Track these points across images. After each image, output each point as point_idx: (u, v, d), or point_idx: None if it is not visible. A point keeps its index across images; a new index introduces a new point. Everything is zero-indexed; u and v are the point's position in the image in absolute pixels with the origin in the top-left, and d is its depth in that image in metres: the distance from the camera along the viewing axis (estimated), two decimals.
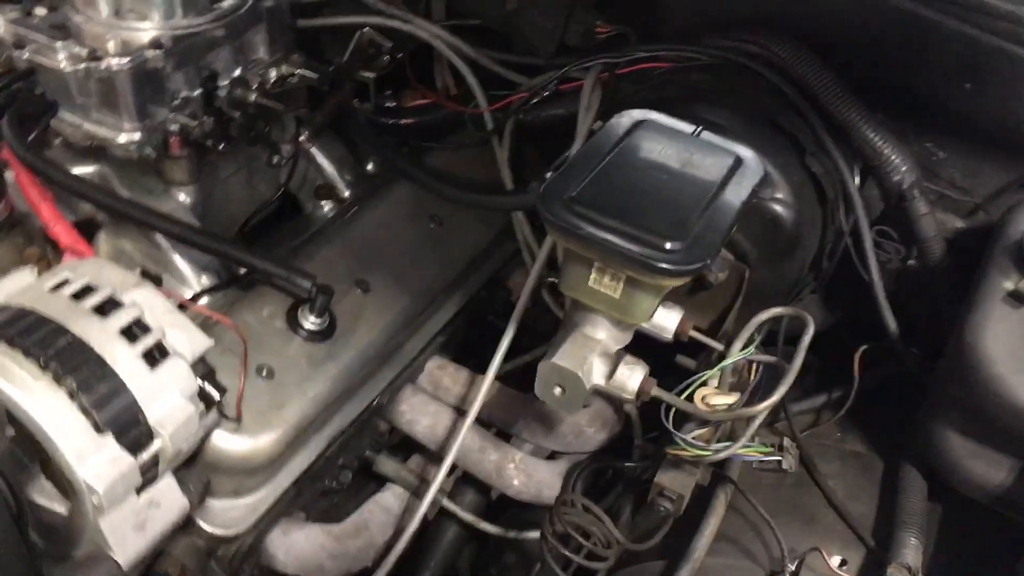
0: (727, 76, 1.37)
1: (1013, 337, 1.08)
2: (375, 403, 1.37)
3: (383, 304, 1.34)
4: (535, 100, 1.49)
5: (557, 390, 1.12)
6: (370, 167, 1.60)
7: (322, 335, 1.24)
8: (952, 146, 1.40)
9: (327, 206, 1.54)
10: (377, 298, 1.34)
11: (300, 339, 1.23)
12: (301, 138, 1.51)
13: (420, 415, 1.44)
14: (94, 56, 1.19)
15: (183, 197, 1.35)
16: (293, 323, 1.23)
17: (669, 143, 1.18)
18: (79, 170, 1.33)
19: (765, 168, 1.23)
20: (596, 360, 1.12)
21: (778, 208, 1.28)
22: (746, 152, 1.19)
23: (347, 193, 1.56)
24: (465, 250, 1.48)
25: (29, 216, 1.28)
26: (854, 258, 1.38)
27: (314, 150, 1.54)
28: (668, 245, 1.02)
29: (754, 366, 1.19)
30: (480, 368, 1.43)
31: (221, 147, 1.31)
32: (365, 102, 1.56)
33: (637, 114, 1.23)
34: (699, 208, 1.07)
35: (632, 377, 1.10)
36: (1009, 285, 1.13)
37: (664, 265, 1.00)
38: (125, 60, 1.21)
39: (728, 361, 1.15)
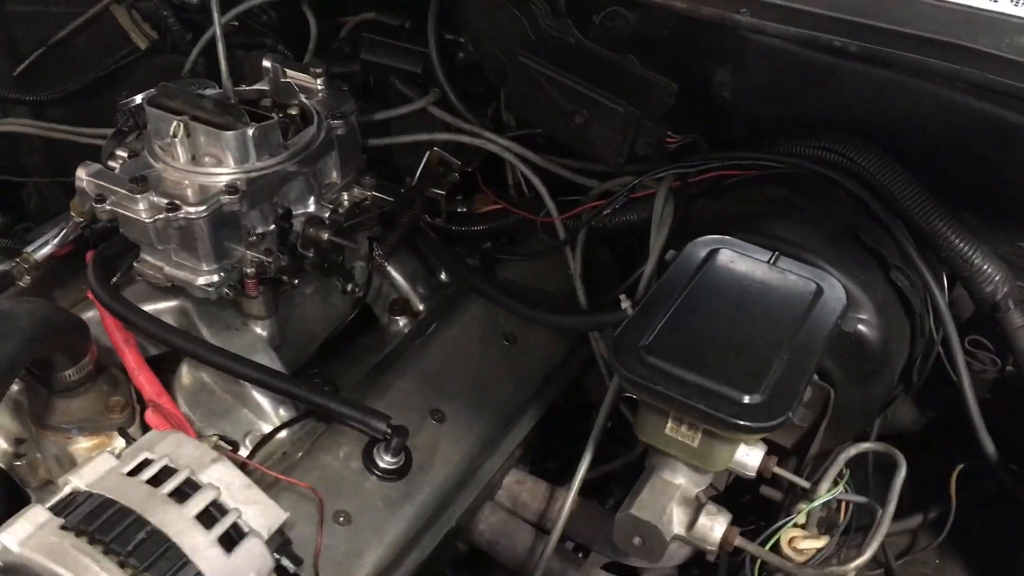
0: (804, 187, 1.33)
1: None
2: (454, 527, 1.36)
3: (458, 433, 1.33)
4: (607, 210, 1.47)
5: (636, 540, 1.09)
6: (443, 276, 1.60)
7: (398, 473, 1.24)
8: None
9: (401, 321, 1.55)
10: (452, 427, 1.33)
11: (376, 479, 1.23)
12: (375, 256, 1.52)
13: (500, 535, 1.43)
14: (173, 206, 1.22)
15: (260, 331, 1.37)
16: (369, 463, 1.23)
17: (745, 274, 1.15)
18: (161, 304, 1.37)
19: (848, 289, 1.19)
20: (676, 508, 1.09)
21: (863, 328, 1.23)
22: (826, 279, 1.16)
23: (421, 306, 1.56)
24: (540, 366, 1.47)
25: (110, 355, 1.31)
26: (948, 369, 1.32)
27: (388, 266, 1.55)
28: (746, 399, 0.99)
29: (843, 504, 1.14)
30: (560, 473, 1.41)
31: (296, 282, 1.33)
32: (436, 216, 1.56)
33: (710, 241, 1.20)
34: (779, 352, 1.04)
35: (714, 528, 1.07)
36: None
37: (742, 422, 0.97)
38: (202, 208, 1.23)
39: (815, 503, 1.11)
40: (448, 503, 1.33)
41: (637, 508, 1.08)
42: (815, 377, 1.26)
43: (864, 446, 1.13)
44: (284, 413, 1.32)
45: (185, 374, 1.36)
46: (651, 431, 1.08)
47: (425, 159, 1.50)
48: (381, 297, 1.58)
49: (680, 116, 1.46)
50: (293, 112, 1.42)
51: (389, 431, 1.21)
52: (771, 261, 1.17)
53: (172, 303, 1.37)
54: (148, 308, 1.34)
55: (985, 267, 1.26)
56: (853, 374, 1.26)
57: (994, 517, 1.31)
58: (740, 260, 1.17)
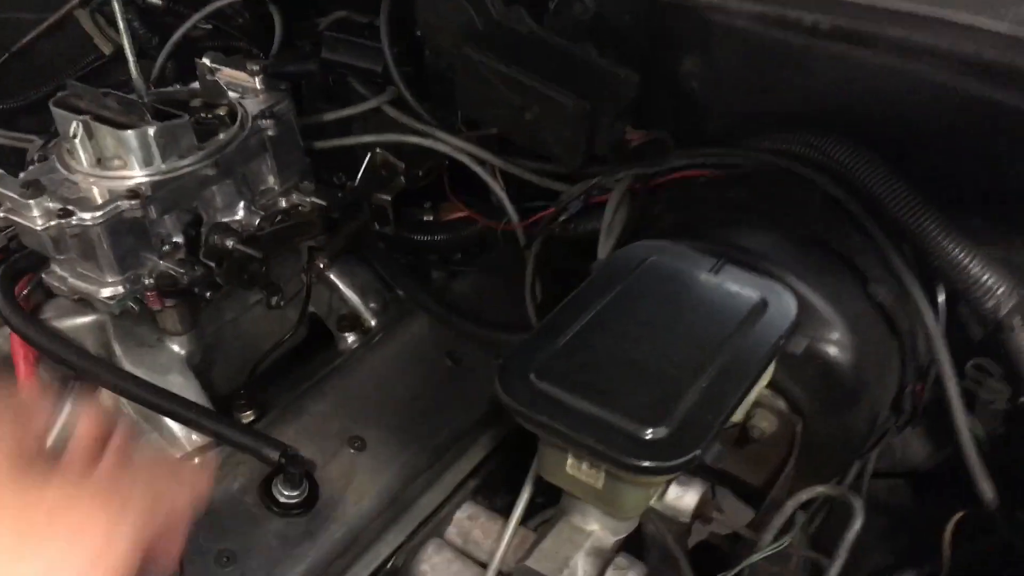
0: (771, 188, 1.16)
1: None
2: (389, 566, 1.23)
3: (380, 463, 1.20)
4: (563, 216, 1.33)
5: None
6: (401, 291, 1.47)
7: (300, 508, 1.11)
8: None
9: (351, 337, 1.43)
10: (372, 456, 1.20)
11: (273, 515, 1.10)
12: (321, 266, 1.41)
13: (441, 575, 1.28)
14: (65, 212, 1.13)
15: (176, 348, 1.27)
16: (266, 497, 1.11)
17: (676, 286, 0.99)
18: (80, 320, 1.28)
19: (811, 304, 1.02)
20: (582, 560, 0.93)
21: (832, 351, 1.05)
22: (775, 291, 0.98)
23: (373, 322, 1.44)
24: (488, 389, 1.32)
25: None
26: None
27: (334, 278, 1.44)
28: (648, 433, 0.83)
29: (794, 559, 0.96)
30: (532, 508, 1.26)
31: (208, 295, 1.22)
32: (385, 224, 1.44)
33: (646, 247, 1.05)
34: (696, 378, 0.88)
35: None
36: None
37: (638, 461, 0.81)
38: (98, 214, 1.14)
39: (753, 557, 0.93)
40: (371, 540, 1.19)
41: (535, 559, 0.93)
42: (782, 406, 1.09)
43: (818, 490, 0.95)
44: (197, 439, 1.21)
45: (105, 395, 1.27)
46: (552, 469, 0.93)
47: (366, 161, 1.38)
48: (332, 312, 1.47)
49: (646, 111, 1.30)
50: (222, 112, 1.32)
51: (283, 460, 1.09)
52: (713, 270, 1.01)
53: (90, 317, 1.28)
54: (68, 323, 1.26)
55: (985, 278, 1.06)
56: (825, 404, 1.08)
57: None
58: (676, 269, 1.01)
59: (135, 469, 0.61)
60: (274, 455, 1.09)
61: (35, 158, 1.29)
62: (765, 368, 0.91)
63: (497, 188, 1.42)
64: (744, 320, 0.94)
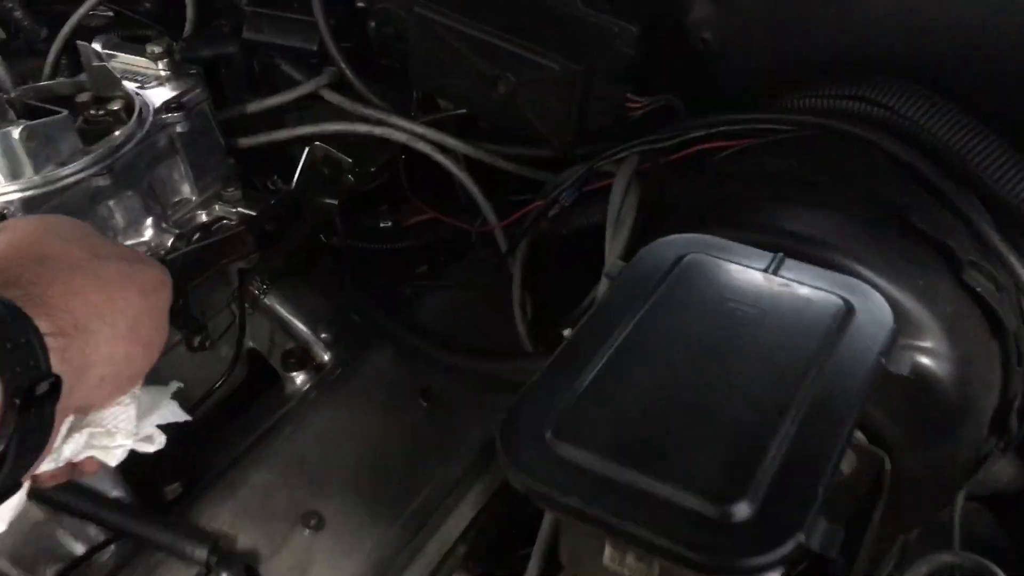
0: (824, 155, 0.90)
1: None
2: None
3: (344, 543, 0.93)
4: (553, 211, 1.07)
5: None
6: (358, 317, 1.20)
7: None
8: None
9: (299, 377, 1.16)
10: (334, 536, 0.93)
11: None
12: (257, 292, 1.14)
13: None
14: None
15: None
16: None
17: (727, 293, 0.73)
18: None
19: (897, 304, 0.77)
20: None
21: (927, 362, 0.80)
22: (860, 290, 0.73)
23: (327, 357, 1.17)
24: (475, 433, 1.05)
25: None
26: None
27: (276, 305, 1.16)
28: (725, 514, 0.57)
29: None
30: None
31: None
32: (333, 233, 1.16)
33: (677, 244, 0.79)
34: (779, 424, 0.62)
35: None
36: None
37: (717, 558, 0.56)
38: None
39: None
40: None
41: None
42: (862, 440, 0.84)
43: (943, 559, 0.70)
44: (94, 532, 0.94)
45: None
46: (581, 559, 0.67)
47: (303, 159, 1.11)
48: (276, 347, 1.19)
49: (648, 73, 1.05)
50: (115, 107, 1.05)
51: (213, 560, 0.82)
52: (770, 268, 0.75)
53: None
54: None
55: None
56: (919, 431, 0.83)
57: None
58: (721, 270, 0.75)
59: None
60: (201, 553, 0.82)
61: None
62: (866, 398, 0.66)
63: (467, 181, 1.16)
64: (827, 334, 0.69)
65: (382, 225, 1.29)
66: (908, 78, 0.89)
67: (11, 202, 0.91)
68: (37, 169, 0.92)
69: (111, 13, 1.50)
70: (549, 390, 0.66)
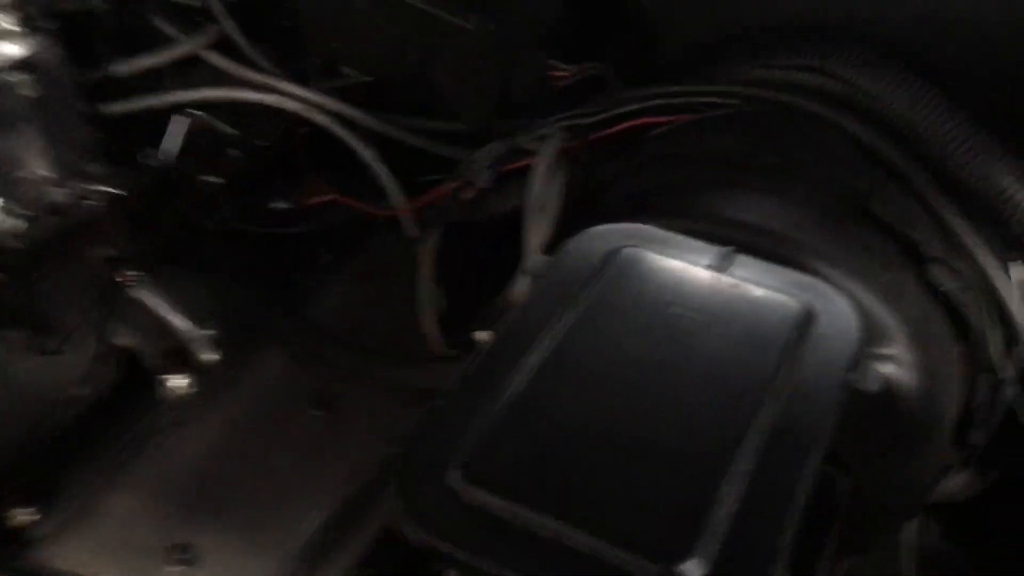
0: (774, 134, 0.80)
1: None
2: None
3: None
4: (467, 194, 0.94)
5: None
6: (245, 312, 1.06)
7: None
8: None
9: (179, 381, 1.01)
10: (208, 572, 0.80)
11: None
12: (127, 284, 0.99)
13: None
14: None
15: None
16: None
17: (668, 296, 0.62)
18: None
19: (862, 308, 0.67)
20: None
21: (891, 372, 0.71)
22: (821, 290, 0.63)
23: (215, 356, 1.03)
24: (375, 444, 0.93)
25: None
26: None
27: (150, 299, 1.02)
28: (678, 572, 0.46)
29: None
30: None
31: None
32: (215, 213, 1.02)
33: (608, 236, 0.67)
34: (734, 455, 0.51)
35: None
36: None
37: None
38: None
39: None
40: None
41: None
42: None
43: None
44: None
45: None
46: None
47: (179, 128, 0.96)
48: (150, 346, 1.05)
49: (577, 38, 0.93)
50: None
51: None
52: (718, 266, 0.64)
53: None
54: None
55: None
56: (880, 449, 0.74)
57: None
58: (660, 268, 0.64)
59: None
60: None
61: None
62: (836, 422, 0.55)
63: (370, 158, 1.02)
64: (787, 346, 0.58)
65: (276, 207, 1.15)
66: (869, 47, 0.79)
67: None
68: None
69: None
70: (457, 417, 0.53)
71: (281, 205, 1.15)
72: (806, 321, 0.60)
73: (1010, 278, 0.79)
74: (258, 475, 0.88)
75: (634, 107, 0.88)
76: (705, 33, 0.90)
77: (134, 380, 1.06)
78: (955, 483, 1.01)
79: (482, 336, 0.71)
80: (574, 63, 0.92)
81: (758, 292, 0.62)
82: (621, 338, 0.58)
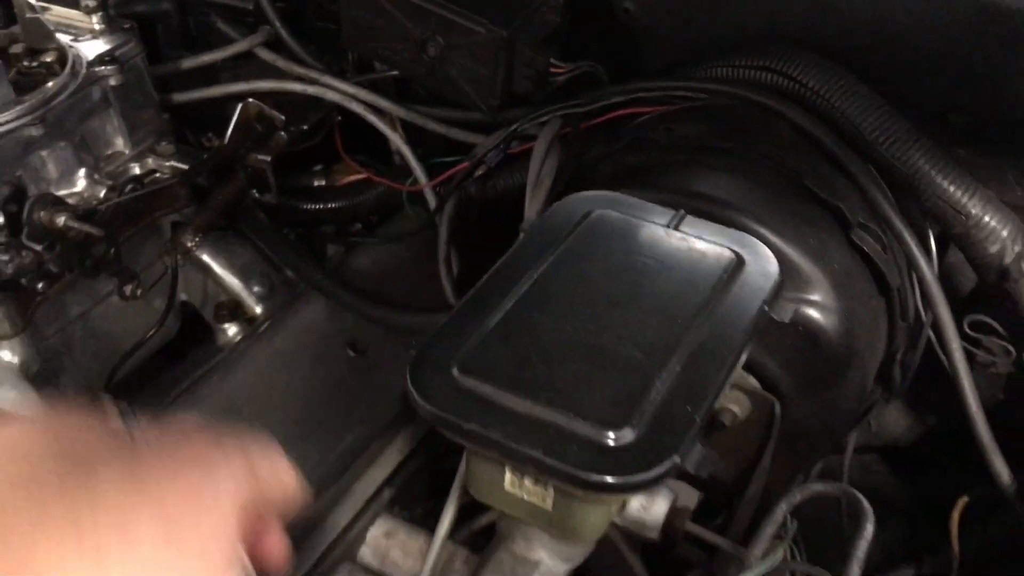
0: (732, 123, 0.96)
1: None
2: None
3: None
4: (479, 172, 1.11)
5: None
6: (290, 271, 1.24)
7: None
8: None
9: (232, 328, 1.19)
10: None
11: None
12: (189, 244, 1.16)
13: None
14: None
15: (7, 355, 1.01)
16: None
17: (631, 246, 0.78)
18: None
19: (790, 259, 0.83)
20: None
21: (815, 315, 0.87)
22: (750, 244, 0.79)
23: (259, 309, 1.20)
24: (400, 383, 1.10)
25: None
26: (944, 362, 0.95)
27: (207, 259, 1.19)
28: (610, 439, 0.62)
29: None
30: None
31: (41, 287, 0.97)
32: (266, 190, 1.19)
33: (587, 200, 0.84)
34: (667, 361, 0.67)
35: None
36: None
37: (602, 476, 0.61)
38: None
39: None
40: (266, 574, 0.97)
41: None
42: (755, 385, 0.90)
43: (815, 488, 0.76)
44: None
45: None
46: (485, 486, 0.71)
47: (236, 114, 1.14)
48: (209, 300, 1.22)
49: (572, 40, 1.10)
50: (49, 59, 1.07)
51: None
52: (671, 224, 0.81)
53: None
54: None
55: (987, 219, 0.89)
56: (807, 379, 0.90)
57: (1007, 568, 0.93)
58: (625, 225, 0.80)
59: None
60: None
61: None
62: (749, 341, 0.72)
63: (399, 141, 1.20)
64: (717, 283, 0.74)
65: (316, 184, 1.32)
66: (815, 52, 0.95)
67: None
68: None
69: None
70: (457, 331, 0.70)
71: (319, 183, 1.33)
72: (735, 267, 0.76)
73: (929, 245, 0.95)
74: (301, 402, 1.04)
75: (619, 99, 1.04)
76: (680, 39, 1.06)
77: (196, 331, 1.25)
78: (898, 426, 1.17)
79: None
80: (570, 61, 1.08)
81: (699, 244, 0.78)
82: (588, 275, 0.75)
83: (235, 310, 1.20)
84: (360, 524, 1.09)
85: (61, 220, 0.94)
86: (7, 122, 0.96)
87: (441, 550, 0.96)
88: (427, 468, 1.16)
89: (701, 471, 0.63)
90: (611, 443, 0.62)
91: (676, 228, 0.80)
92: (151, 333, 1.12)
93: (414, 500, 1.19)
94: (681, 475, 0.63)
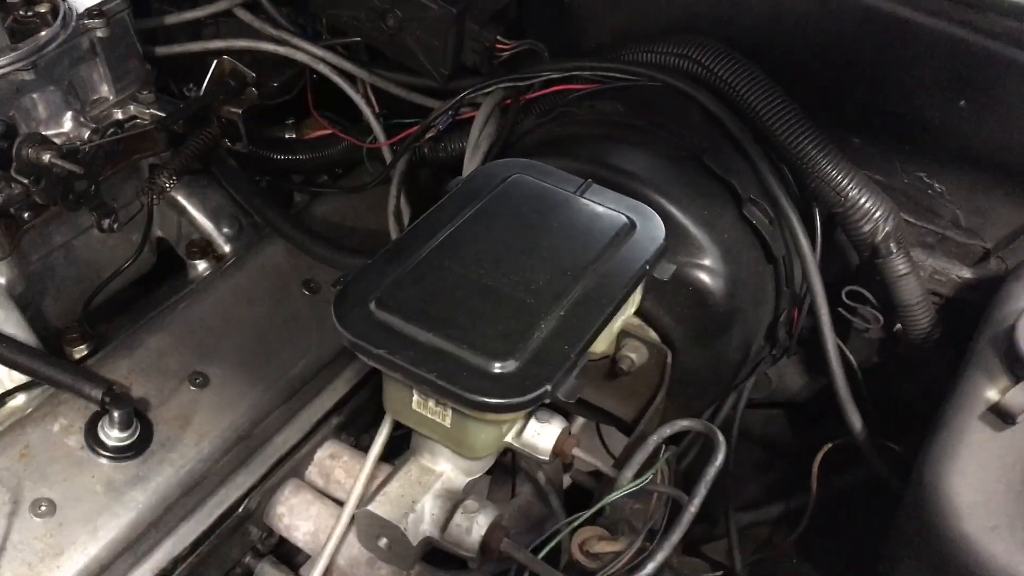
0: (647, 103, 1.08)
1: (989, 474, 0.77)
2: (241, 509, 1.14)
3: (224, 400, 1.10)
4: (429, 134, 1.23)
5: (382, 541, 0.87)
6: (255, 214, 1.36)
7: (131, 451, 1.01)
8: (952, 177, 1.09)
9: (201, 265, 1.31)
10: (216, 393, 1.10)
11: (99, 459, 1.00)
12: (166, 185, 1.28)
13: (299, 519, 1.20)
14: None
15: None
16: (92, 439, 1.00)
17: (537, 207, 0.91)
18: None
19: (682, 227, 0.96)
20: (430, 503, 0.86)
21: (704, 277, 0.99)
22: (644, 212, 0.92)
23: (228, 248, 1.32)
24: None
25: None
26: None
27: (183, 200, 1.31)
28: (496, 367, 0.75)
29: (655, 497, 0.91)
30: (400, 444, 1.19)
31: (27, 216, 1.09)
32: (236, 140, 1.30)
33: (508, 165, 0.96)
34: (553, 306, 0.80)
35: (472, 530, 0.84)
36: (992, 394, 0.82)
37: (484, 398, 0.74)
38: None
39: (612, 496, 0.87)
40: (216, 483, 1.10)
41: (379, 504, 0.85)
42: (653, 336, 1.03)
43: (682, 424, 0.90)
44: (18, 377, 1.09)
45: None
46: (397, 406, 0.85)
47: (212, 69, 1.25)
48: (183, 237, 1.34)
49: (518, 20, 1.21)
50: (43, 9, 1.17)
51: (107, 399, 0.98)
52: (578, 192, 0.93)
53: None
54: None
55: (862, 201, 1.02)
56: (696, 333, 1.03)
57: (863, 507, 1.07)
58: (538, 189, 0.93)
59: None
60: (97, 393, 0.98)
61: None
62: (628, 295, 0.84)
63: (360, 102, 1.31)
64: (608, 244, 0.87)
65: (287, 137, 1.44)
66: (726, 43, 1.06)
67: None
68: None
69: None
70: (378, 272, 0.83)
71: (289, 135, 1.44)
72: (628, 230, 0.89)
73: (813, 221, 1.08)
74: (258, 331, 1.16)
75: (556, 76, 1.15)
76: (613, 24, 1.17)
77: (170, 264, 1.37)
78: (795, 384, 1.31)
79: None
80: (514, 39, 1.19)
81: (599, 209, 0.91)
82: (497, 231, 0.87)
83: (205, 248, 1.32)
84: (308, 446, 1.22)
85: (46, 157, 1.05)
86: (2, 67, 1.07)
87: (376, 470, 1.09)
88: (373, 400, 1.30)
89: (570, 398, 0.76)
90: (496, 371, 0.75)
91: (581, 195, 0.93)
92: (127, 263, 1.24)
93: (360, 429, 1.33)
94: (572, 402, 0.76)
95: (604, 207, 0.91)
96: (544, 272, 0.83)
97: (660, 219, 0.91)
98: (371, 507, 0.85)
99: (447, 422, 0.81)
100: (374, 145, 1.32)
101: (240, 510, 1.14)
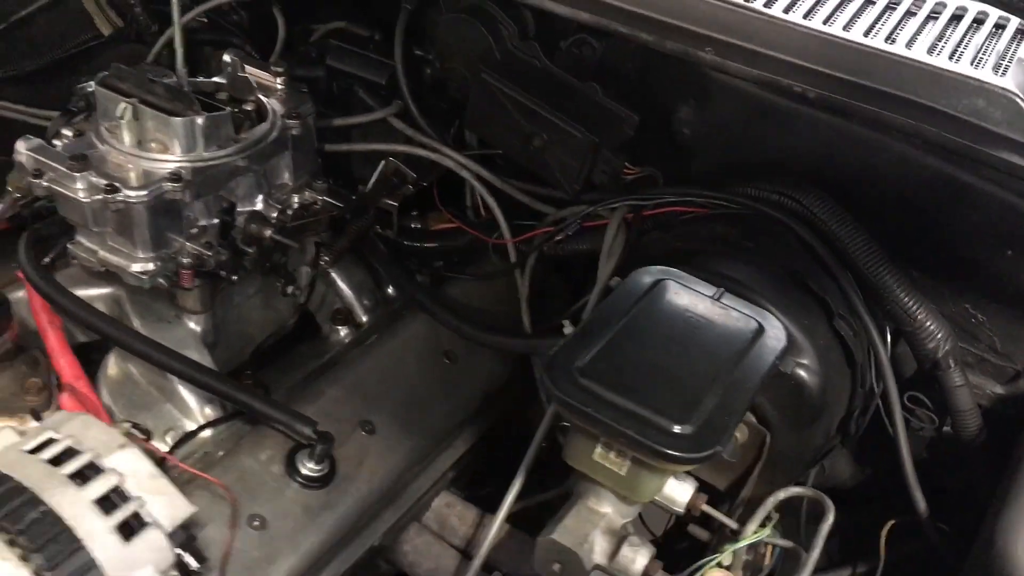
0: (754, 229, 1.32)
1: None
2: (377, 545, 1.32)
3: (387, 446, 1.30)
4: (558, 237, 1.46)
5: (556, 566, 1.06)
6: (390, 291, 1.57)
7: (320, 481, 1.20)
8: (993, 310, 1.34)
9: (343, 331, 1.52)
10: (381, 441, 1.30)
11: (297, 486, 1.19)
12: (321, 261, 1.49)
13: (423, 557, 1.39)
14: (112, 188, 1.19)
15: (194, 325, 1.33)
16: (291, 468, 1.19)
17: (688, 307, 1.14)
18: (94, 291, 1.33)
19: (789, 332, 1.19)
20: (599, 537, 1.06)
21: (803, 374, 1.22)
22: (768, 319, 1.15)
23: (365, 318, 1.53)
24: (479, 387, 1.44)
25: (35, 337, 1.27)
26: (887, 424, 1.31)
27: (333, 274, 1.52)
28: (677, 429, 0.97)
29: (770, 548, 1.12)
30: (495, 500, 1.38)
31: (234, 278, 1.29)
32: (388, 228, 1.53)
33: (656, 272, 1.19)
34: (713, 386, 1.02)
35: (636, 560, 1.04)
36: None
37: (670, 451, 0.95)
38: (143, 192, 1.20)
39: (739, 544, 1.08)
40: (371, 518, 1.29)
41: (559, 533, 1.05)
42: (752, 419, 1.25)
43: (795, 490, 1.11)
44: (210, 412, 1.28)
45: (112, 364, 1.32)
46: (579, 456, 1.05)
47: (380, 168, 1.48)
48: (325, 305, 1.55)
49: (639, 149, 1.46)
50: (248, 108, 1.40)
51: (315, 436, 1.17)
52: (715, 297, 1.16)
53: (105, 290, 1.33)
54: (80, 293, 1.30)
55: (928, 323, 1.26)
56: (790, 419, 1.25)
57: (921, 573, 1.29)
58: (684, 293, 1.16)
59: None
60: (306, 430, 1.17)
61: (60, 132, 1.32)
62: (764, 382, 1.07)
63: (493, 203, 1.54)
64: (748, 341, 1.09)
65: (412, 226, 1.66)
66: (819, 187, 1.31)
67: (185, 168, 1.24)
68: (206, 147, 1.26)
69: (206, 20, 1.82)
70: (575, 348, 1.05)
71: (415, 225, 1.67)
72: (758, 332, 1.12)
73: (885, 336, 1.32)
74: (410, 390, 1.37)
75: (673, 199, 1.40)
76: (722, 160, 1.43)
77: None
78: (844, 473, 1.53)
79: (567, 324, 1.23)
80: (638, 166, 1.44)
81: (735, 313, 1.14)
82: (661, 324, 1.10)
83: (348, 316, 1.53)
84: (431, 494, 1.42)
85: (268, 232, 1.27)
86: (228, 155, 1.29)
87: (485, 519, 1.27)
88: (480, 459, 1.50)
89: (733, 456, 0.98)
90: (676, 431, 0.97)
91: (718, 300, 1.16)
92: (290, 322, 1.45)
93: (465, 483, 1.52)
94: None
95: (738, 312, 1.14)
96: (701, 360, 1.06)
97: (780, 325, 1.14)
98: (554, 535, 1.04)
99: (623, 471, 1.02)
100: (500, 241, 1.55)
101: (376, 546, 1.32)
